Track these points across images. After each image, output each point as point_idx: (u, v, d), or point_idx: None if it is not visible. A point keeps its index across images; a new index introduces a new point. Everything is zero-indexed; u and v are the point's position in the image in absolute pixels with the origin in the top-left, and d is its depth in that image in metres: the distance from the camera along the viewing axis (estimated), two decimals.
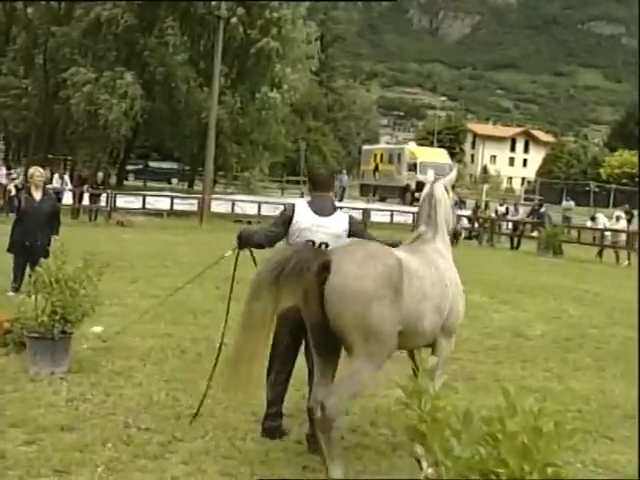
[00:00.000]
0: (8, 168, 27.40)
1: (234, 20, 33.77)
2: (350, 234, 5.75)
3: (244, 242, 6.03)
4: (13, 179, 25.04)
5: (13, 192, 18.53)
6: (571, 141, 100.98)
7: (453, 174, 6.38)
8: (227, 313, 6.57)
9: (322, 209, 5.75)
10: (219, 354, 6.38)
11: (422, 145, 65.59)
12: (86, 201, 27.21)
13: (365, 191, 51.46)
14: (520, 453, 2.44)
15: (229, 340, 9.14)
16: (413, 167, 45.65)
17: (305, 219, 5.69)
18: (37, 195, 11.36)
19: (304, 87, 40.36)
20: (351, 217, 5.93)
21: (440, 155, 49.09)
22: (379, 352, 4.73)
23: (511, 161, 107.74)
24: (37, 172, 11.57)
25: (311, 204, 5.81)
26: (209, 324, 10.23)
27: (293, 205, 5.83)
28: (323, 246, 5.62)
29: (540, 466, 2.48)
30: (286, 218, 5.75)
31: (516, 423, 2.51)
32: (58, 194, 25.83)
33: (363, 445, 5.93)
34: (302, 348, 5.89)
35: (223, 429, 6.06)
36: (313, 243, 5.63)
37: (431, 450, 2.49)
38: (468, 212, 34.22)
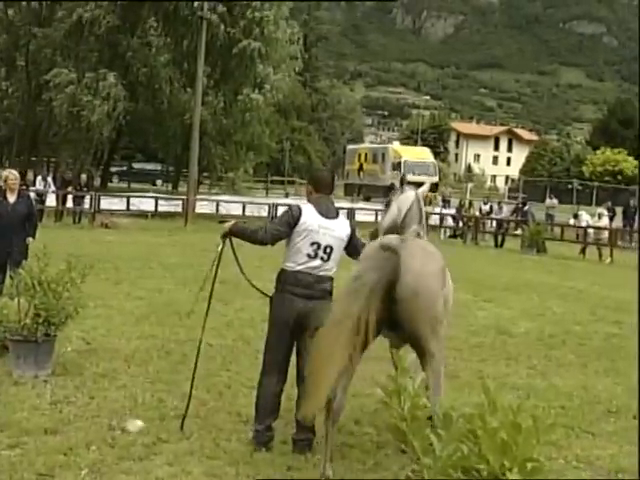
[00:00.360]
0: None
1: (215, 18, 33.64)
2: (350, 239, 5.75)
3: (234, 236, 6.00)
4: None
5: None
6: (554, 139, 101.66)
7: (425, 187, 6.80)
8: (206, 315, 6.50)
9: (328, 211, 5.73)
10: (198, 354, 6.35)
11: (406, 144, 65.79)
12: (70, 203, 27.08)
13: (350, 190, 51.52)
14: (500, 449, 2.46)
15: (214, 341, 9.22)
16: (397, 166, 45.81)
17: (313, 221, 5.64)
18: (11, 198, 11.31)
19: (287, 87, 40.33)
20: (350, 222, 5.96)
21: (424, 154, 49.30)
22: (442, 341, 5.15)
23: (495, 160, 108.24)
24: (11, 175, 11.52)
25: (317, 206, 5.73)
26: (194, 325, 10.15)
27: (299, 206, 5.78)
28: (328, 249, 5.63)
29: (520, 462, 2.50)
30: (293, 219, 5.66)
31: (496, 419, 2.53)
32: (41, 196, 25.72)
33: (348, 444, 5.95)
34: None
35: (208, 430, 6.05)
36: (318, 245, 5.61)
37: (412, 448, 2.51)
38: (452, 211, 34.34)
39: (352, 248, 5.84)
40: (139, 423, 6.05)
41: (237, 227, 5.98)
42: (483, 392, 2.62)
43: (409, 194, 6.10)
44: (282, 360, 5.74)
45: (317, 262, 5.62)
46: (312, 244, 5.61)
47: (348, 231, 5.76)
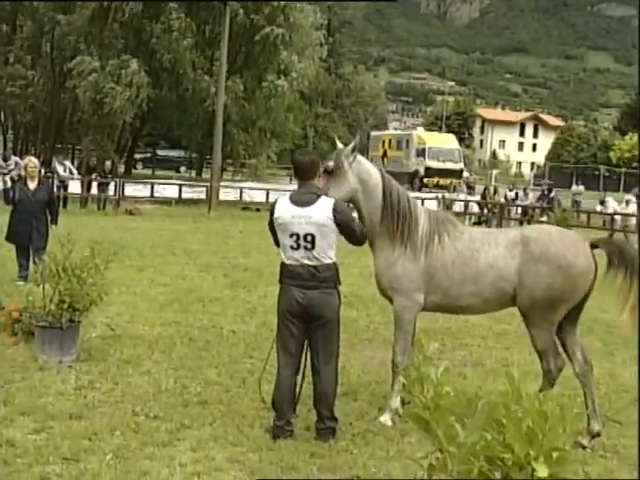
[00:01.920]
0: (4, 159, 27.29)
1: (237, 4, 33.57)
2: (336, 221, 5.56)
3: None
4: (9, 171, 24.96)
5: (9, 184, 18.66)
6: (581, 125, 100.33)
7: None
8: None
9: (302, 199, 5.59)
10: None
11: (430, 130, 65.27)
12: (94, 190, 27.25)
13: None
14: (525, 438, 2.43)
15: (237, 328, 9.26)
16: (422, 153, 45.55)
17: (285, 213, 5.57)
18: (32, 185, 11.55)
19: (312, 74, 40.18)
20: (337, 203, 5.63)
21: (448, 140, 48.92)
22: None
23: (520, 146, 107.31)
24: (31, 163, 11.77)
25: (292, 195, 5.68)
26: (218, 312, 10.27)
27: (275, 201, 5.75)
28: (309, 237, 5.51)
29: (546, 451, 2.46)
30: (270, 215, 5.69)
31: (521, 408, 2.49)
32: (63, 182, 25.92)
33: (372, 431, 5.95)
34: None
35: (231, 416, 6.08)
36: (297, 235, 5.52)
37: (435, 437, 2.48)
38: (477, 197, 34.12)
39: (346, 232, 5.72)
40: None
41: None
42: (507, 380, 2.58)
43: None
44: (294, 351, 5.70)
45: (301, 252, 5.55)
46: (291, 236, 5.55)
47: (329, 213, 5.53)
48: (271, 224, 5.71)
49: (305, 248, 5.53)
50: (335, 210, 5.57)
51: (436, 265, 6.12)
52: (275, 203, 5.69)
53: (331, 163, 6.06)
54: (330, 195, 5.82)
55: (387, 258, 6.15)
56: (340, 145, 6.30)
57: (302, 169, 5.70)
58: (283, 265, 5.67)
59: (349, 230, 5.71)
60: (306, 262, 5.55)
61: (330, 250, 5.62)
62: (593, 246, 6.12)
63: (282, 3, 35.21)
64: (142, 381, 6.90)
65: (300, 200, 5.59)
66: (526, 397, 2.53)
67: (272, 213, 5.67)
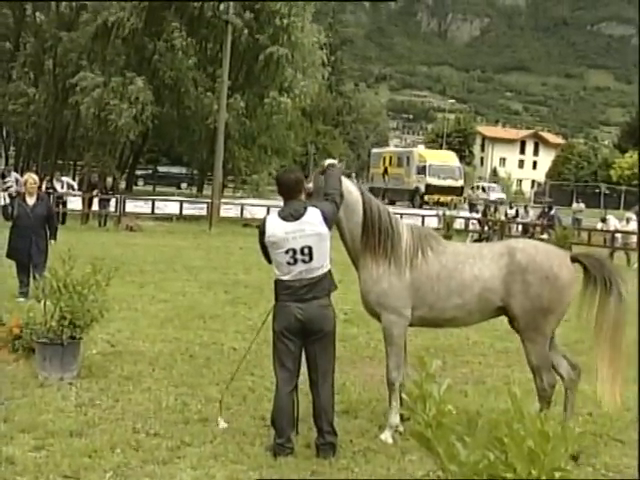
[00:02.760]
0: (2, 176, 27.37)
1: (239, 22, 33.77)
2: (328, 224, 5.59)
3: None
4: (7, 187, 25.00)
5: (7, 200, 18.74)
6: (581, 143, 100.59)
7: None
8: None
9: (291, 214, 5.58)
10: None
11: (431, 148, 65.60)
12: (95, 206, 27.30)
13: (374, 194, 50.47)
14: (527, 457, 2.43)
15: (238, 345, 9.24)
16: (422, 170, 45.67)
17: (277, 230, 5.54)
18: (31, 201, 11.58)
19: (314, 92, 40.35)
20: (321, 210, 5.60)
21: (449, 158, 49.09)
22: None
23: (521, 163, 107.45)
24: (30, 179, 11.81)
25: (280, 212, 5.66)
26: (218, 328, 10.26)
27: (264, 219, 5.71)
28: (306, 250, 5.51)
29: (548, 470, 2.47)
30: (261, 236, 5.65)
31: (523, 427, 2.50)
32: (61, 198, 25.97)
33: (373, 449, 5.92)
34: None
35: (232, 434, 6.06)
36: (294, 251, 5.50)
37: (436, 455, 2.48)
38: (478, 215, 34.13)
39: (334, 219, 5.77)
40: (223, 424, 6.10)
41: None
42: (509, 398, 2.59)
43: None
44: (292, 367, 5.68)
45: (300, 266, 5.54)
46: (287, 252, 5.52)
47: (319, 218, 5.55)
48: (262, 243, 5.67)
49: (303, 262, 5.53)
50: (323, 215, 5.60)
51: (421, 279, 6.17)
52: (264, 222, 5.65)
53: (311, 185, 6.05)
54: None
55: (372, 274, 6.19)
56: (331, 160, 6.30)
57: (287, 187, 5.71)
58: (279, 282, 5.64)
59: (334, 213, 5.76)
60: (305, 276, 5.54)
61: (326, 258, 5.65)
62: (573, 260, 6.28)
63: (285, 22, 35.38)
64: (143, 398, 6.89)
65: (290, 215, 5.58)
66: (528, 416, 2.54)
67: (263, 232, 5.62)
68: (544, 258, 6.14)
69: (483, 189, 60.05)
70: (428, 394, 2.53)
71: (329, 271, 5.69)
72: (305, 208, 5.61)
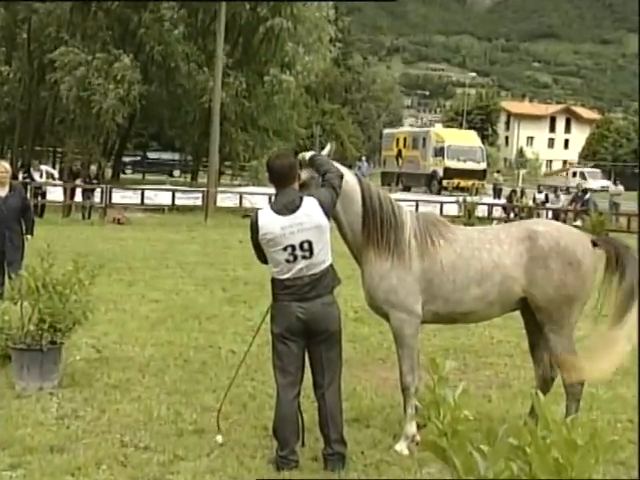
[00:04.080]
0: None
1: None
2: (326, 213, 5.58)
3: None
4: None
5: None
6: (619, 118, 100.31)
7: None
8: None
9: (286, 206, 5.54)
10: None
11: (450, 127, 65.39)
12: (78, 197, 27.33)
13: (387, 180, 51.38)
14: (553, 469, 2.42)
15: (237, 348, 9.25)
16: (440, 152, 45.57)
17: (273, 226, 5.50)
18: (2, 192, 11.52)
19: (320, 69, 40.28)
20: (318, 198, 5.61)
21: (470, 138, 48.94)
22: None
23: (551, 142, 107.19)
24: (1, 167, 11.75)
25: (273, 205, 5.63)
26: (215, 330, 10.28)
27: (256, 214, 5.63)
28: (306, 245, 5.50)
29: None
30: (254, 233, 5.58)
31: (548, 435, 2.48)
32: (40, 188, 26.02)
33: (386, 461, 5.93)
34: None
35: (230, 446, 6.08)
36: (292, 247, 5.48)
37: (453, 467, 2.48)
38: (503, 201, 34.09)
39: (333, 204, 5.73)
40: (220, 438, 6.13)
41: None
42: (533, 403, 2.58)
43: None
44: (294, 371, 5.69)
45: (300, 263, 5.52)
46: (285, 249, 5.50)
47: (319, 211, 5.54)
48: (256, 242, 5.63)
49: (304, 258, 5.52)
50: (321, 205, 5.58)
51: (434, 269, 6.20)
52: (256, 218, 5.58)
53: (304, 174, 6.01)
54: None
55: (378, 269, 6.19)
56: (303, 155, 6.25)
57: (280, 174, 5.69)
58: (277, 281, 5.62)
59: (334, 200, 5.74)
60: (304, 273, 5.53)
61: (327, 252, 5.64)
62: (594, 244, 6.36)
63: None
64: (131, 408, 6.91)
65: (284, 208, 5.55)
66: (553, 422, 2.53)
67: (256, 230, 5.56)
68: (568, 242, 6.21)
69: (583, 175, 57.29)
70: (442, 399, 2.52)
71: (331, 265, 5.69)
72: (301, 198, 5.60)
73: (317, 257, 5.56)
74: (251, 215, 5.76)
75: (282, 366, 5.70)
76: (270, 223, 5.53)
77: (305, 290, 5.55)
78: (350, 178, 6.23)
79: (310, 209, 5.56)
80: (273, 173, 5.73)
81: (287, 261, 5.53)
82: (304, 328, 5.60)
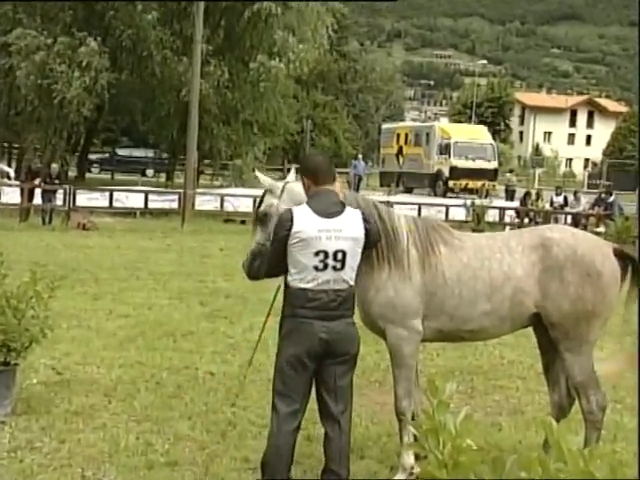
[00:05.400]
0: None
1: None
2: (366, 232, 5.60)
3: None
4: None
5: None
6: None
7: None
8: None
9: (327, 208, 5.54)
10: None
11: (457, 121, 65.66)
12: (38, 199, 27.26)
13: (387, 180, 51.48)
14: None
15: (216, 369, 9.23)
16: (446, 149, 45.68)
17: (309, 225, 5.45)
18: None
19: (314, 59, 40.33)
20: (363, 212, 5.75)
21: (479, 133, 49.09)
22: None
23: (571, 138, 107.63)
24: None
25: (311, 204, 5.58)
26: (191, 349, 10.27)
27: (290, 211, 5.58)
28: (340, 255, 5.46)
29: None
30: (284, 231, 5.50)
31: (562, 468, 2.47)
32: None
33: None
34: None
35: None
36: (325, 254, 5.44)
37: None
38: (516, 204, 34.15)
39: (371, 241, 5.73)
40: None
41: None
42: (545, 430, 2.57)
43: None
44: (300, 400, 5.57)
45: (329, 274, 5.47)
46: (317, 254, 5.44)
47: (361, 224, 5.58)
48: (283, 240, 5.52)
49: (334, 268, 5.46)
50: (365, 220, 5.65)
51: (437, 281, 6.21)
52: (291, 214, 5.52)
53: (262, 208, 6.08)
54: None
55: (373, 281, 6.20)
56: (263, 179, 6.30)
57: (323, 171, 5.73)
58: (297, 291, 5.50)
59: (375, 237, 5.82)
60: (330, 286, 5.48)
61: (354, 271, 5.62)
62: (617, 254, 6.36)
63: None
64: (95, 438, 6.89)
65: (325, 210, 5.53)
66: (569, 454, 2.52)
67: (288, 226, 5.47)
68: (586, 250, 6.22)
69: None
70: (441, 426, 2.51)
71: (353, 289, 5.66)
72: (342, 205, 5.63)
73: (346, 272, 5.52)
74: (282, 215, 5.63)
75: (287, 392, 5.55)
76: (307, 221, 5.47)
77: (331, 307, 5.48)
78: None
79: (352, 219, 5.58)
80: (315, 169, 5.73)
81: (315, 268, 5.45)
82: (324, 350, 5.50)
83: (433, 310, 6.22)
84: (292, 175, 6.43)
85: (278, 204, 5.99)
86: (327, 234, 5.44)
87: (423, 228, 6.35)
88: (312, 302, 5.45)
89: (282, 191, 6.13)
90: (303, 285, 5.46)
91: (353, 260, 5.55)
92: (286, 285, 5.58)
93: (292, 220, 5.46)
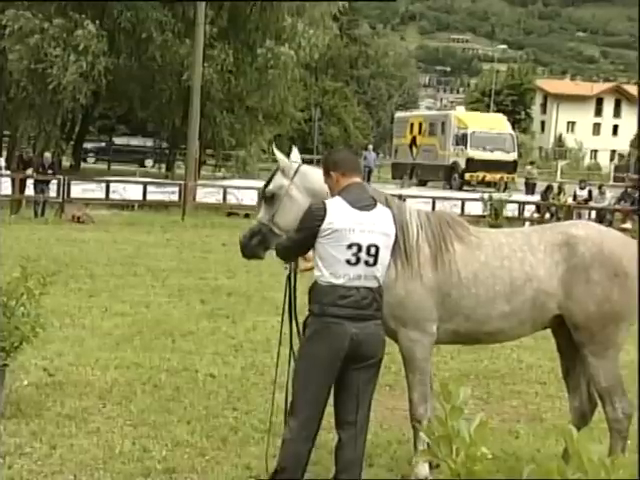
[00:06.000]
0: None
1: None
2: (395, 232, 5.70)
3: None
4: None
5: None
6: None
7: None
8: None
9: (361, 201, 5.57)
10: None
11: (475, 110, 65.43)
12: (30, 190, 27.29)
13: (399, 172, 51.45)
14: None
15: (217, 371, 9.24)
16: (462, 139, 45.59)
17: (343, 217, 5.44)
18: None
19: (324, 44, 40.29)
20: (392, 213, 5.82)
21: (498, 123, 48.95)
22: None
23: (596, 128, 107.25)
24: None
25: (346, 196, 5.58)
26: (191, 350, 10.27)
27: (322, 202, 5.57)
28: (373, 249, 5.46)
29: None
30: (316, 222, 5.48)
31: (582, 478, 2.47)
32: None
33: None
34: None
35: None
36: (359, 247, 5.42)
37: None
38: (536, 198, 34.07)
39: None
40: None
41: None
42: (565, 438, 2.56)
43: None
44: (323, 407, 5.57)
45: (361, 269, 5.44)
46: (349, 246, 5.42)
47: (392, 224, 5.63)
48: (313, 232, 5.50)
49: (366, 263, 5.45)
50: (394, 220, 5.71)
51: (451, 281, 6.19)
52: (324, 205, 5.52)
53: (271, 187, 6.11)
54: (279, 223, 5.99)
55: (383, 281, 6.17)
56: (280, 156, 6.31)
57: (352, 164, 5.81)
58: (329, 287, 5.45)
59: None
60: (362, 283, 5.46)
61: (385, 268, 5.63)
62: None
63: None
64: (89, 443, 6.89)
65: (359, 202, 5.55)
66: (589, 463, 2.51)
67: (321, 218, 5.46)
68: (613, 249, 6.19)
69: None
70: (455, 433, 2.50)
71: (381, 287, 5.67)
72: (374, 199, 5.68)
73: (377, 269, 5.52)
74: (312, 206, 5.64)
75: (309, 397, 5.53)
76: (341, 213, 5.47)
77: (362, 305, 5.46)
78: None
79: (384, 214, 5.64)
80: (343, 163, 5.76)
81: (347, 262, 5.42)
82: (354, 353, 5.48)
83: (448, 311, 6.21)
84: (295, 154, 6.40)
85: (289, 185, 6.00)
86: (361, 227, 5.45)
87: (436, 223, 6.32)
88: (343, 299, 5.41)
89: (295, 173, 6.16)
90: (334, 281, 5.42)
91: (385, 256, 5.57)
92: (314, 283, 5.54)
93: (325, 210, 5.46)
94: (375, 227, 5.51)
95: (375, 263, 5.49)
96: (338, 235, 5.41)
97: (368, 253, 5.45)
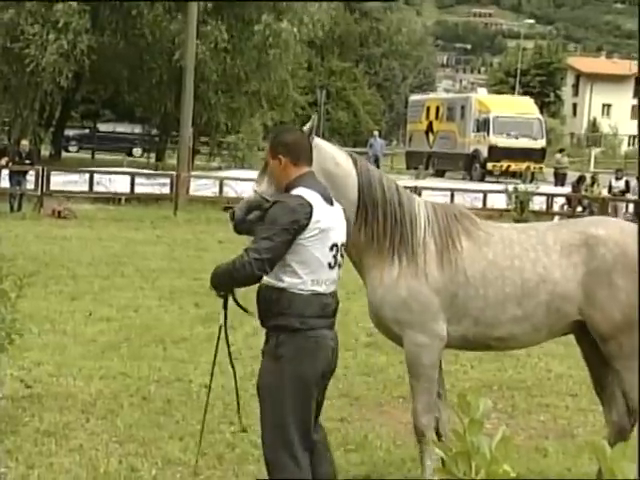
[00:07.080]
0: None
1: None
2: None
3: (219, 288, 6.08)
4: None
5: None
6: None
7: None
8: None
9: (325, 194, 5.45)
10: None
11: (498, 93, 65.42)
12: (5, 182, 27.33)
13: (414, 162, 51.35)
14: None
15: (213, 381, 9.24)
16: (484, 125, 45.53)
17: (325, 215, 5.33)
18: None
19: (328, 19, 40.28)
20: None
21: (524, 106, 48.90)
22: None
23: (634, 112, 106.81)
24: None
25: (315, 188, 5.42)
26: (185, 358, 10.30)
27: (300, 196, 5.31)
28: (343, 248, 5.46)
29: None
30: (306, 220, 5.23)
31: None
32: None
33: None
34: None
35: None
36: (336, 247, 5.36)
37: None
38: (567, 190, 34.03)
39: None
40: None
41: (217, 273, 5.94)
42: (597, 456, 2.57)
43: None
44: (311, 427, 5.48)
45: (335, 272, 5.40)
46: (331, 248, 5.35)
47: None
48: (297, 233, 5.24)
49: (339, 266, 5.44)
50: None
51: (459, 279, 6.20)
52: (307, 201, 5.28)
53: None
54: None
55: (384, 278, 6.21)
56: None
57: (308, 150, 5.65)
58: (312, 297, 5.29)
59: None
60: (333, 288, 5.44)
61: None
62: None
63: None
64: (71, 462, 6.92)
65: (325, 196, 5.45)
66: None
67: (308, 216, 5.24)
68: (638, 249, 6.11)
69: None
70: (474, 449, 2.50)
71: None
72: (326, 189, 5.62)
73: (339, 269, 5.51)
74: (293, 205, 5.28)
75: (302, 423, 5.39)
76: (323, 210, 5.34)
77: (335, 312, 5.48)
78: (343, 159, 6.23)
79: (340, 208, 5.59)
80: (295, 142, 5.58)
81: (329, 265, 5.33)
82: (330, 367, 5.51)
83: (455, 313, 6.23)
84: (309, 125, 6.13)
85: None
86: (334, 224, 5.42)
87: (443, 217, 6.33)
88: (325, 309, 5.36)
89: None
90: (317, 288, 5.30)
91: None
92: (290, 294, 5.29)
93: (311, 207, 5.27)
94: (339, 223, 5.49)
95: (341, 264, 5.49)
96: (323, 236, 5.30)
97: (340, 253, 5.46)
